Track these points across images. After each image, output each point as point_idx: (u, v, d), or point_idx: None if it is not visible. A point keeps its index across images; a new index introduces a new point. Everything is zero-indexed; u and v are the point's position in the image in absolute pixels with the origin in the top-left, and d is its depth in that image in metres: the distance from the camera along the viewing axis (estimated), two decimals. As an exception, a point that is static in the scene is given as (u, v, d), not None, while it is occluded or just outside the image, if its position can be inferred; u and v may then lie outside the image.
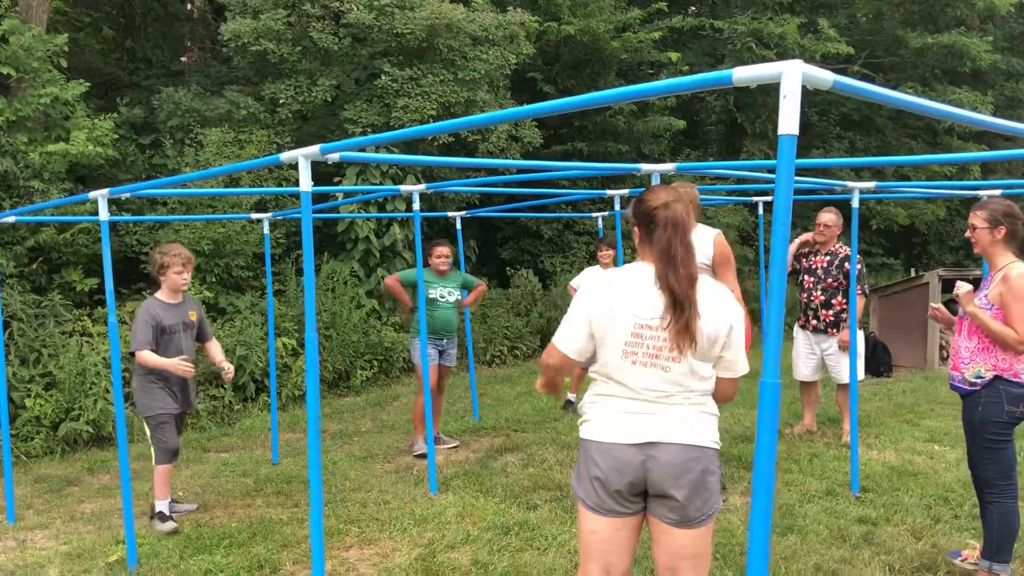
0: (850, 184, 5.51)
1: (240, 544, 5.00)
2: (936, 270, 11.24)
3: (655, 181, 4.47)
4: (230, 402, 8.68)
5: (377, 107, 11.09)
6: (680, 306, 2.70)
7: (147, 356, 5.22)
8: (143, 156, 10.90)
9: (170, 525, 5.30)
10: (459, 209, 10.97)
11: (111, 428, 7.54)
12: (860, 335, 7.00)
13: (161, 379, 5.34)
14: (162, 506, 5.39)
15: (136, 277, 9.87)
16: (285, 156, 3.39)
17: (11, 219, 5.87)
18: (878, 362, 10.45)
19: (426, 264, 6.89)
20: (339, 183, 10.81)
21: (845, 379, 6.96)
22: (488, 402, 9.12)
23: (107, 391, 7.62)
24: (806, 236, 7.25)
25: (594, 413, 2.90)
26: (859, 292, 6.77)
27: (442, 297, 6.96)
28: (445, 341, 7.09)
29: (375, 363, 10.38)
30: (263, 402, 8.98)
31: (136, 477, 6.53)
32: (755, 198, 8.47)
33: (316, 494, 3.50)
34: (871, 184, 5.61)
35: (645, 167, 4.53)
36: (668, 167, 4.54)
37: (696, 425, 2.77)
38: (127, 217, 8.20)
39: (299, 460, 6.94)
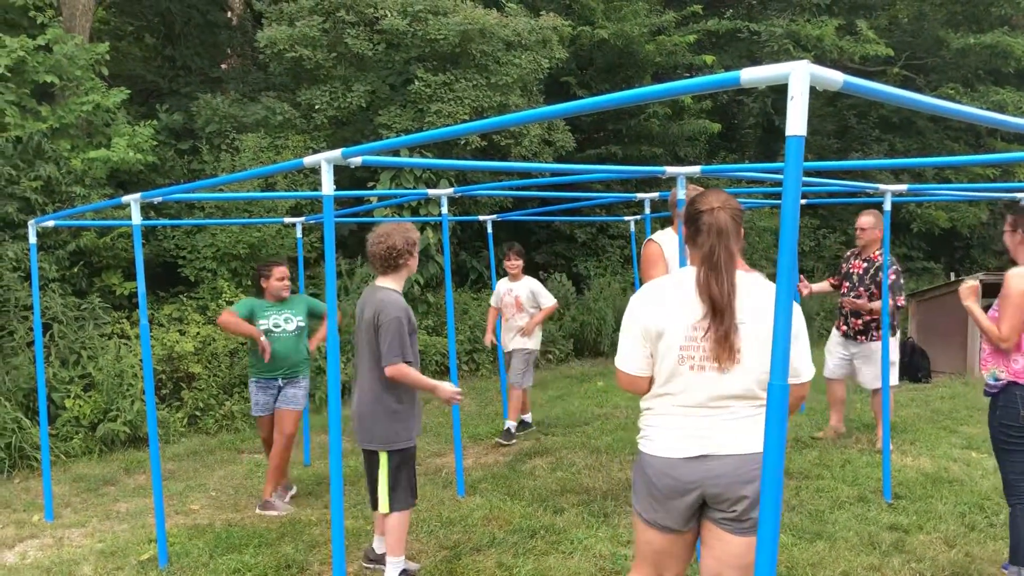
0: (882, 187, 5.44)
1: (269, 544, 5.06)
2: (978, 274, 11.03)
3: (680, 183, 4.45)
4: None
5: (411, 112, 11.17)
6: (719, 315, 2.67)
7: (408, 372, 4.21)
8: (182, 162, 11.08)
9: None
10: (492, 213, 11.00)
11: (147, 429, 7.66)
12: (894, 343, 6.87)
13: (412, 400, 4.38)
14: (401, 565, 4.38)
15: (174, 281, 10.03)
16: (309, 160, 3.44)
17: (52, 223, 6.00)
18: (916, 368, 10.28)
19: (262, 289, 5.81)
20: (373, 187, 10.90)
21: (872, 385, 6.88)
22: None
23: (144, 392, 7.75)
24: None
25: (650, 427, 2.87)
26: (892, 304, 6.59)
27: (277, 326, 5.74)
28: (281, 379, 5.78)
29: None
30: (297, 404, 9.07)
31: (170, 477, 6.68)
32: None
33: (336, 496, 3.54)
34: (903, 187, 5.54)
35: (670, 170, 4.51)
36: (693, 169, 4.51)
37: (753, 433, 2.71)
38: (164, 221, 8.34)
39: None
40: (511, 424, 7.51)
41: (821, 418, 7.76)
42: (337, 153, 3.28)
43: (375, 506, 4.38)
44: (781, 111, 12.32)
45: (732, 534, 2.74)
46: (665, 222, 6.52)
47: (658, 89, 2.21)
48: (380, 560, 4.53)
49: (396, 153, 8.29)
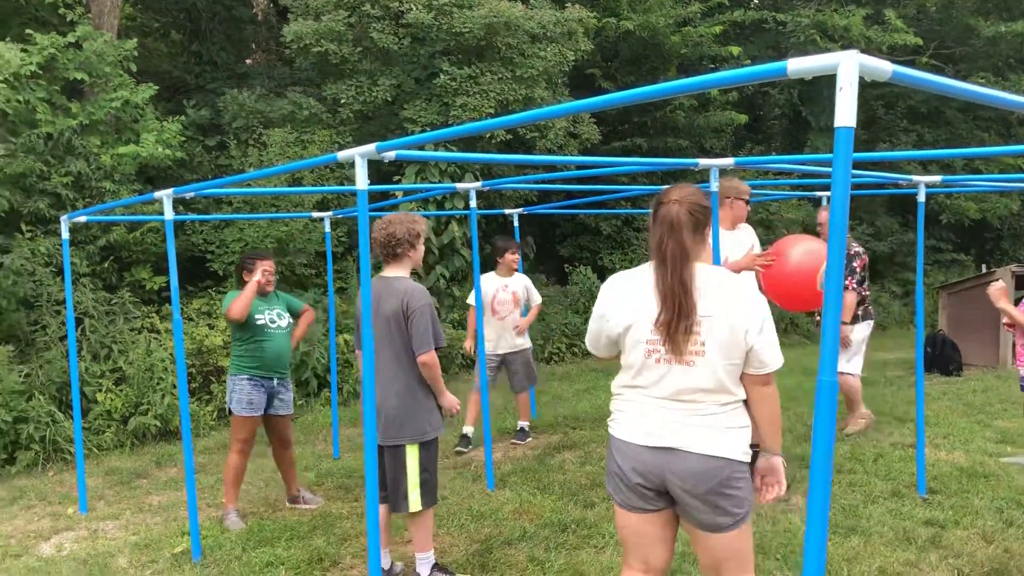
0: (916, 178, 5.36)
1: (301, 537, 5.08)
2: (1009, 266, 10.89)
3: (714, 176, 4.42)
4: (292, 397, 8.80)
5: (436, 106, 11.17)
6: (668, 309, 2.69)
7: (437, 363, 4.20)
8: (209, 157, 11.15)
9: None
10: (517, 206, 10.97)
11: (178, 423, 7.72)
12: (864, 328, 7.02)
13: (432, 392, 4.30)
14: (431, 560, 4.31)
15: (203, 275, 10.10)
16: (342, 155, 3.43)
17: (83, 219, 6.05)
18: (947, 360, 10.17)
19: (243, 283, 5.52)
20: (399, 182, 10.91)
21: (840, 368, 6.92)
22: (546, 399, 9.11)
23: (174, 386, 7.82)
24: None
25: (620, 412, 2.92)
26: (848, 287, 6.74)
27: (272, 322, 5.51)
28: (276, 381, 5.56)
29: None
30: (324, 398, 9.12)
31: (200, 471, 6.72)
32: (819, 193, 8.29)
33: (372, 490, 3.54)
34: (937, 178, 5.46)
35: (703, 162, 4.48)
36: (727, 161, 4.47)
37: (721, 435, 2.72)
38: (193, 216, 8.40)
39: (359, 455, 7.01)
40: (524, 424, 7.37)
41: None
42: (371, 147, 3.28)
43: (396, 507, 4.19)
44: (808, 102, 12.28)
45: (711, 533, 2.77)
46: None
47: (706, 80, 2.19)
48: (390, 572, 4.43)
49: (422, 147, 8.27)
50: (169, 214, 4.75)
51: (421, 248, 4.33)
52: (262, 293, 5.52)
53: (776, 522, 5.06)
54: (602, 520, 5.14)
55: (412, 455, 4.16)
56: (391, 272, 4.27)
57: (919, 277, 5.75)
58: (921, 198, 5.37)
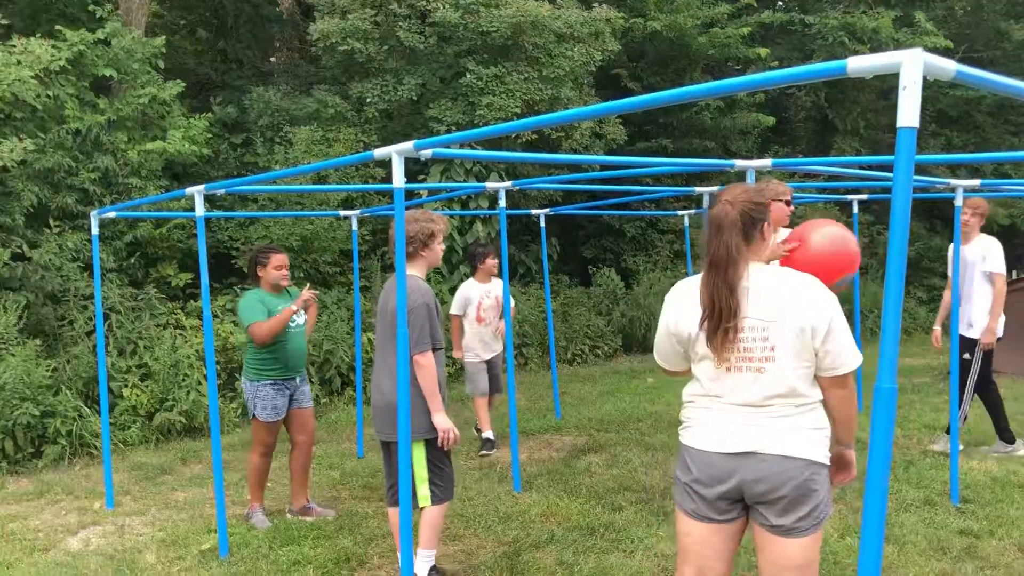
0: (953, 182, 5.28)
1: (327, 536, 5.07)
2: (1040, 273, 10.73)
3: (750, 178, 4.36)
4: (316, 396, 8.81)
5: (462, 105, 11.14)
6: (716, 314, 2.64)
7: (432, 367, 4.07)
8: (235, 154, 11.18)
9: None
10: (542, 207, 10.94)
11: (202, 419, 7.75)
12: None
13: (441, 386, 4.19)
14: (431, 559, 4.24)
15: (227, 272, 10.12)
16: (379, 152, 3.41)
17: (112, 214, 6.06)
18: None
19: (257, 277, 5.37)
20: (424, 181, 10.90)
21: None
22: (570, 401, 9.07)
23: (199, 383, 7.84)
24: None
25: (692, 419, 2.85)
26: None
27: (292, 321, 5.32)
28: (298, 379, 5.47)
29: (456, 360, 10.40)
30: (348, 396, 9.12)
31: (225, 467, 6.68)
32: (849, 196, 8.20)
33: (404, 488, 3.51)
34: (975, 182, 5.37)
35: (740, 163, 4.42)
36: (764, 163, 4.42)
37: (798, 436, 2.65)
38: (219, 213, 8.40)
39: (384, 455, 7.00)
40: (489, 433, 7.09)
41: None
42: (409, 145, 3.25)
43: (396, 504, 4.05)
44: (834, 104, 12.14)
45: (785, 538, 2.67)
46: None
47: (756, 79, 2.14)
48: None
49: (458, 146, 8.25)
50: (201, 210, 4.74)
51: (437, 247, 4.22)
52: (276, 289, 5.38)
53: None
54: (630, 524, 5.09)
55: (418, 452, 4.04)
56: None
57: (955, 283, 5.67)
58: (958, 202, 5.28)
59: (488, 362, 7.03)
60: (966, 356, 6.50)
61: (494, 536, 5.00)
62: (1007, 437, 6.64)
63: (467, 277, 10.92)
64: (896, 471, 6.13)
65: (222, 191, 4.89)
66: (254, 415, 5.32)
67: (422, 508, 4.12)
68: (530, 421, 8.00)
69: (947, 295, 6.87)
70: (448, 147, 4.19)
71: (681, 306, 2.83)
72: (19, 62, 7.86)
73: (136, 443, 7.47)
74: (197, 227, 4.78)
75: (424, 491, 4.07)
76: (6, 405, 6.68)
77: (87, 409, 7.20)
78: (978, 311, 6.49)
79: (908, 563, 4.46)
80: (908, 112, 1.80)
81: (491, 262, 7.01)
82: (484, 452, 6.97)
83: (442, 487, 4.13)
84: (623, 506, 5.45)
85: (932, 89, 17.23)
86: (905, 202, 1.83)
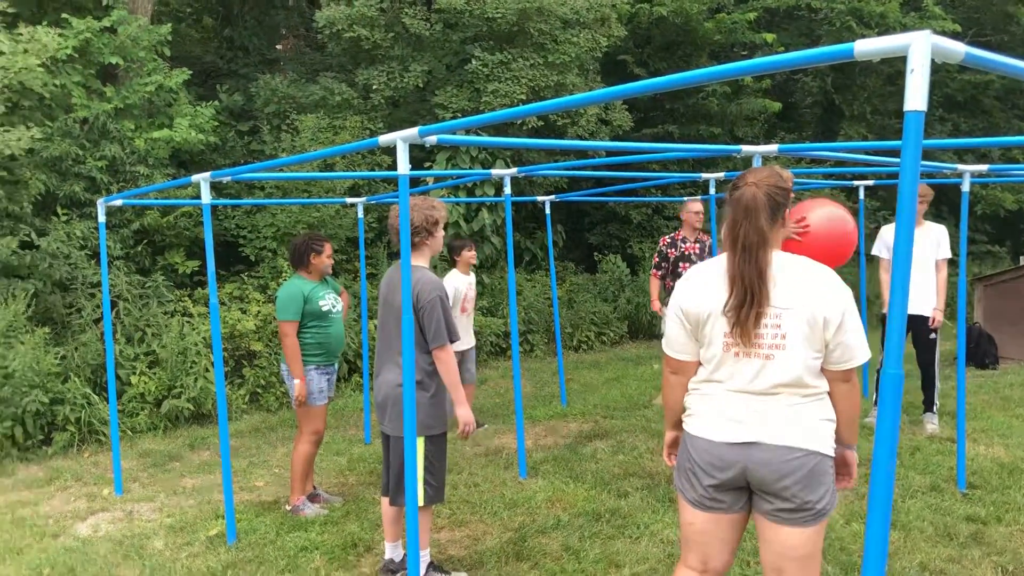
0: (960, 167, 5.25)
1: (334, 522, 5.09)
2: (1048, 259, 10.70)
3: (756, 163, 4.34)
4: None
5: (467, 92, 11.11)
6: (742, 297, 2.61)
7: (452, 359, 4.03)
8: (241, 142, 11.18)
9: None
10: (547, 194, 10.93)
11: (210, 406, 7.78)
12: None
13: (442, 386, 4.12)
14: (426, 558, 4.19)
15: (235, 260, 10.13)
16: (383, 139, 3.40)
17: (118, 202, 6.07)
18: (983, 353, 10.02)
19: (308, 264, 5.37)
20: (430, 168, 10.89)
21: None
22: (575, 388, 9.07)
23: (207, 370, 7.86)
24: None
25: (697, 407, 2.84)
26: (653, 273, 7.84)
27: (334, 307, 5.38)
28: (336, 365, 5.50)
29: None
30: (355, 383, 9.14)
31: (233, 454, 6.75)
32: (856, 182, 8.17)
33: (411, 475, 3.52)
34: (983, 167, 5.34)
35: (746, 148, 4.40)
36: (771, 148, 4.40)
37: (803, 426, 2.63)
38: (226, 201, 8.40)
39: (390, 441, 7.02)
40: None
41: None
42: (413, 132, 3.24)
43: (396, 500, 4.09)
44: (841, 90, 12.05)
45: (784, 526, 2.67)
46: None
47: (763, 62, 2.12)
48: (401, 566, 4.24)
49: (465, 133, 8.24)
50: (206, 198, 4.75)
51: (440, 235, 4.17)
52: (321, 276, 5.45)
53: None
54: (636, 510, 5.10)
55: (417, 448, 3.91)
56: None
57: (962, 269, 5.64)
58: (965, 188, 5.26)
59: (464, 352, 7.08)
60: (932, 335, 6.92)
61: (500, 522, 5.02)
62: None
63: (472, 265, 11.00)
64: (902, 457, 6.13)
65: (228, 179, 4.88)
66: (300, 402, 5.22)
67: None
68: (536, 408, 8.01)
69: (885, 276, 7.26)
70: (453, 133, 4.16)
71: (694, 288, 2.81)
72: (26, 51, 7.86)
73: (144, 430, 7.50)
74: (203, 215, 4.78)
75: (420, 489, 3.97)
76: (15, 392, 6.71)
77: (95, 396, 7.23)
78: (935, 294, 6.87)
79: (914, 549, 4.47)
80: (915, 95, 1.80)
81: (468, 254, 7.19)
82: (481, 426, 7.30)
83: (435, 487, 4.07)
84: (629, 492, 5.47)
85: (940, 74, 17.10)
86: (912, 186, 1.82)
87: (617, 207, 13.99)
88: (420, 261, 4.15)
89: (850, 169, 7.87)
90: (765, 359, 2.64)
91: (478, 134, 10.43)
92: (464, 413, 4.03)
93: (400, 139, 3.30)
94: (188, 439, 7.34)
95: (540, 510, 5.19)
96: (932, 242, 6.74)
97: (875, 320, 13.42)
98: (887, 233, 7.20)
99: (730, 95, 14.44)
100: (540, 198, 8.50)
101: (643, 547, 4.55)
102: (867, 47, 1.87)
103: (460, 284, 7.01)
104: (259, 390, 8.44)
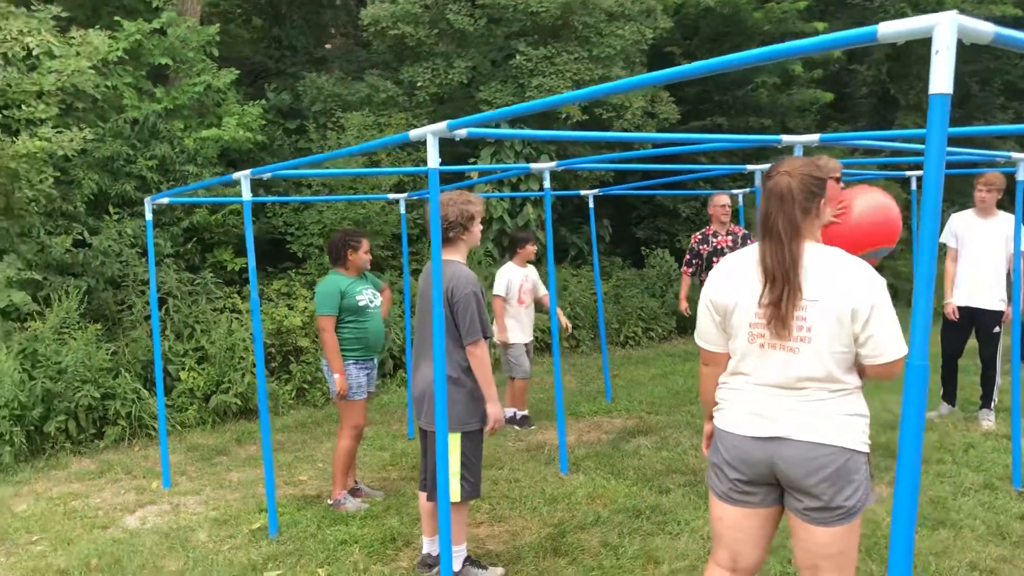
0: (1015, 155, 5.08)
1: (375, 516, 5.12)
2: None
3: (797, 153, 4.25)
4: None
5: (512, 87, 11.10)
6: (774, 287, 2.55)
7: (486, 355, 4.02)
8: (289, 140, 11.31)
9: (498, 571, 4.26)
10: (592, 187, 10.86)
11: (257, 401, 7.87)
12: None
13: (474, 380, 4.08)
14: (463, 553, 4.19)
15: (282, 257, 10.26)
16: (414, 133, 3.40)
17: (165, 200, 6.17)
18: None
19: (345, 259, 5.41)
20: (474, 163, 10.90)
21: None
22: (621, 383, 9.00)
23: (254, 365, 7.94)
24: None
25: (725, 400, 2.80)
26: (684, 271, 7.79)
27: (371, 302, 5.40)
28: (375, 361, 5.52)
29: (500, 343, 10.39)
30: (400, 378, 9.19)
31: (279, 448, 6.84)
32: (908, 172, 7.96)
33: (443, 485, 3.52)
34: (1039, 155, 5.16)
35: (787, 139, 4.31)
36: (812, 138, 4.30)
37: (831, 422, 2.56)
38: (272, 198, 8.51)
39: (433, 436, 7.05)
40: (523, 412, 7.28)
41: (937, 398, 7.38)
42: (442, 125, 3.23)
43: (432, 495, 4.03)
44: (896, 79, 11.73)
45: (816, 525, 2.60)
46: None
47: (787, 47, 2.07)
48: (438, 561, 4.11)
49: (497, 126, 8.24)
50: (247, 195, 4.80)
51: (476, 230, 4.16)
52: (359, 271, 5.47)
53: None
54: (677, 507, 5.04)
55: (453, 444, 3.95)
56: (444, 255, 4.07)
57: (1017, 260, 5.47)
58: (1020, 176, 5.09)
59: (514, 345, 7.12)
60: (996, 329, 6.73)
61: (539, 518, 5.00)
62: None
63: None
64: (956, 453, 5.97)
65: (268, 175, 4.92)
66: (340, 396, 5.26)
67: (451, 503, 4.01)
68: (580, 404, 7.97)
69: (951, 266, 6.93)
70: (485, 127, 4.14)
71: (722, 278, 2.77)
72: (78, 53, 8.05)
73: (193, 424, 7.64)
74: (244, 211, 4.84)
75: (455, 484, 3.98)
76: (68, 387, 6.88)
77: (145, 391, 7.38)
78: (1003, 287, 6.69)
79: (965, 548, 4.34)
80: (941, 78, 1.73)
81: (531, 248, 7.18)
82: (530, 427, 7.19)
83: (472, 483, 4.05)
84: (671, 488, 5.40)
85: (1001, 60, 16.61)
86: (938, 175, 1.75)
87: (665, 201, 13.84)
88: (456, 256, 4.14)
89: (905, 159, 7.65)
90: (791, 352, 2.58)
91: (520, 127, 10.42)
92: (494, 410, 4.01)
93: (430, 133, 3.30)
94: (235, 434, 7.45)
95: (580, 506, 5.16)
96: (1003, 233, 6.59)
97: (936, 315, 13.11)
98: (955, 222, 6.99)
99: (780, 86, 14.18)
100: (584, 192, 8.44)
101: (683, 544, 4.49)
102: (891, 29, 1.80)
103: (514, 277, 7.04)
104: (305, 386, 8.54)
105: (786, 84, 14.27)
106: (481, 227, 4.24)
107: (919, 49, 18.33)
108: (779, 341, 2.59)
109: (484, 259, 10.83)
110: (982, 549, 4.32)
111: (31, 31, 7.81)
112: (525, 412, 7.29)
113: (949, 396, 7.11)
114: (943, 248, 7.16)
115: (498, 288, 7.08)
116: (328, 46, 15.21)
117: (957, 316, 6.88)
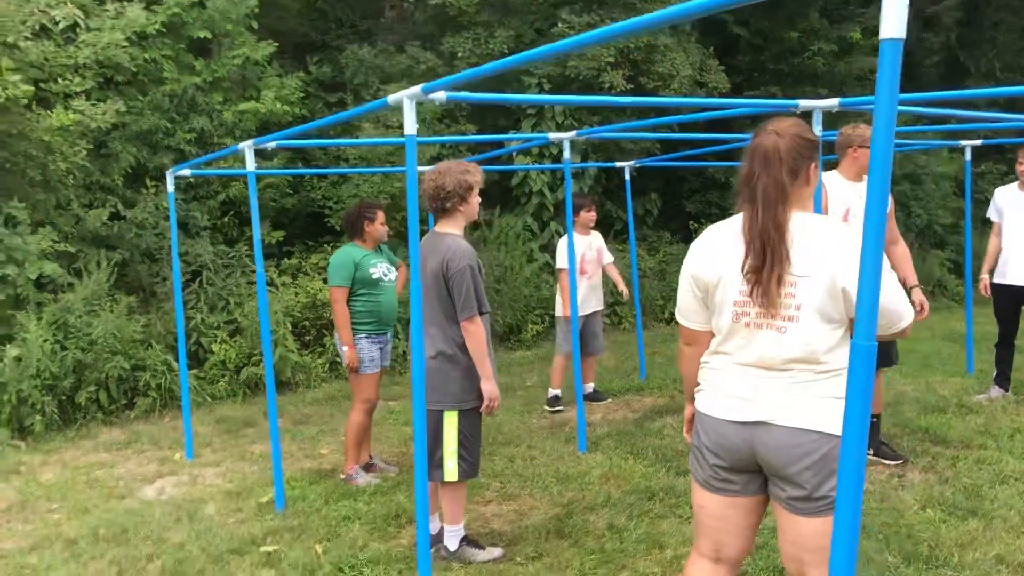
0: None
1: (384, 492, 5.06)
2: None
3: (816, 119, 3.99)
4: (404, 352, 8.82)
5: (554, 56, 10.85)
6: (759, 257, 2.35)
7: (481, 332, 3.89)
8: (329, 113, 11.26)
9: (496, 551, 4.14)
10: (637, 159, 10.58)
11: (289, 374, 7.90)
12: None
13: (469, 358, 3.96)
14: (460, 533, 4.12)
15: (322, 231, 10.24)
16: (392, 98, 3.28)
17: (187, 172, 6.12)
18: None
19: (362, 231, 5.36)
20: (516, 133, 10.72)
21: None
22: (660, 361, 8.78)
23: (286, 339, 7.97)
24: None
25: (706, 380, 2.63)
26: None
27: (386, 276, 5.33)
28: (389, 335, 5.46)
29: (546, 318, 10.24)
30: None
31: (305, 421, 6.85)
32: (963, 142, 7.54)
33: (420, 463, 3.41)
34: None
35: (804, 103, 4.05)
36: (831, 103, 4.04)
37: (817, 406, 2.37)
38: (271, 171, 8.47)
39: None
40: (559, 391, 7.01)
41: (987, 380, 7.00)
42: (417, 89, 3.09)
43: (431, 475, 3.84)
44: (966, 46, 11.14)
45: (800, 516, 2.43)
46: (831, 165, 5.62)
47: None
48: (438, 539, 4.14)
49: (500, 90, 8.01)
50: (251, 165, 4.74)
51: (475, 201, 4.02)
52: (376, 243, 5.41)
53: (884, 498, 4.63)
54: (691, 490, 4.84)
55: (450, 422, 3.88)
56: (441, 227, 4.02)
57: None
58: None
59: (587, 318, 6.83)
60: None
61: (549, 497, 4.87)
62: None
63: (559, 234, 10.79)
64: (1000, 439, 5.63)
65: (271, 145, 4.83)
66: (353, 370, 5.21)
67: (447, 482, 3.95)
68: (612, 381, 7.79)
69: (995, 241, 6.56)
70: (480, 86, 3.98)
71: (704, 250, 2.59)
72: (113, 27, 8.08)
73: (224, 396, 7.68)
74: (249, 182, 4.79)
75: (451, 464, 3.89)
76: (98, 358, 6.96)
77: (176, 363, 7.44)
78: None
79: (994, 539, 4.08)
80: (892, 22, 1.52)
81: (587, 215, 6.89)
82: (556, 408, 6.93)
83: (469, 462, 3.95)
84: (688, 470, 5.19)
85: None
86: (889, 127, 1.55)
87: (717, 173, 13.45)
88: (453, 228, 4.02)
89: (970, 126, 7.25)
90: (778, 331, 2.39)
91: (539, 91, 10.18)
92: (489, 388, 3.88)
93: (406, 97, 3.17)
94: (264, 406, 7.40)
95: (592, 486, 5.01)
96: None
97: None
98: (999, 196, 6.63)
99: (838, 54, 13.63)
100: (619, 164, 8.20)
101: (691, 528, 4.29)
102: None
103: (578, 246, 6.60)
104: (337, 359, 8.52)
105: (844, 51, 13.71)
106: (479, 199, 4.09)
107: (994, 15, 17.42)
108: (765, 320, 2.41)
109: (523, 233, 10.68)
110: (1012, 541, 4.05)
111: (59, 3, 7.84)
112: (558, 392, 6.98)
113: (1002, 378, 6.72)
114: (988, 222, 6.79)
115: (560, 260, 6.78)
116: (382, 19, 15.11)
117: (988, 293, 6.54)
